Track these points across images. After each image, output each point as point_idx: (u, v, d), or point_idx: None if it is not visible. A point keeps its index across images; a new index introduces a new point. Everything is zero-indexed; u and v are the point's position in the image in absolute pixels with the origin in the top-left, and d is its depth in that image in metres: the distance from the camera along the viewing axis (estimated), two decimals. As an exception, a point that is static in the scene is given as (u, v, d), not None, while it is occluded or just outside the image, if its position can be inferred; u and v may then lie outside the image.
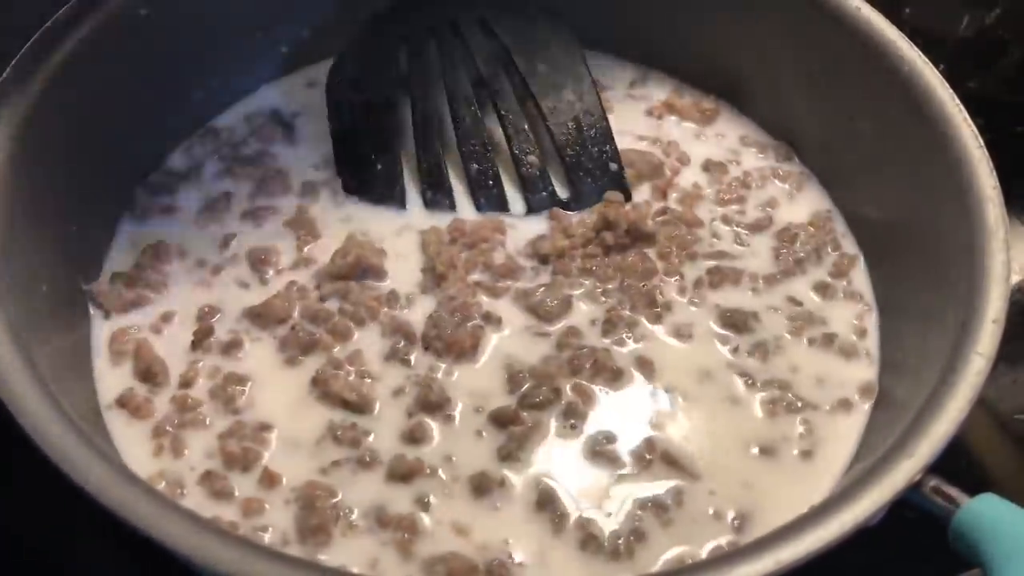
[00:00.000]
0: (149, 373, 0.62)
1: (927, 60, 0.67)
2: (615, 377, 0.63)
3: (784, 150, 0.78)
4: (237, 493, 0.57)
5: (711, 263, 0.69)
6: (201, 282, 0.67)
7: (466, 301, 0.65)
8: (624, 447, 0.60)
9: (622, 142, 0.75)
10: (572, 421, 0.61)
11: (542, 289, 0.66)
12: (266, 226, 0.70)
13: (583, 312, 0.66)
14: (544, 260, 0.68)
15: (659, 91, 0.81)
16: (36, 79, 0.61)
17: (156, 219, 0.70)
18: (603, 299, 0.67)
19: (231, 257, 0.68)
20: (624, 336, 0.65)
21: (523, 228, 0.71)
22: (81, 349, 0.63)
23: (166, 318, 0.65)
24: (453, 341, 0.63)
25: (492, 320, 0.65)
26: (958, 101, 0.65)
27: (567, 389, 0.62)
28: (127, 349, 0.63)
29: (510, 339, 0.64)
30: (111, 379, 0.62)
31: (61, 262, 0.63)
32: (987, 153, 0.63)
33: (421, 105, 0.74)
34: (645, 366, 0.63)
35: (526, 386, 0.62)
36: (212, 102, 0.76)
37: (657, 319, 0.66)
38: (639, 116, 0.79)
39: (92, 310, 0.65)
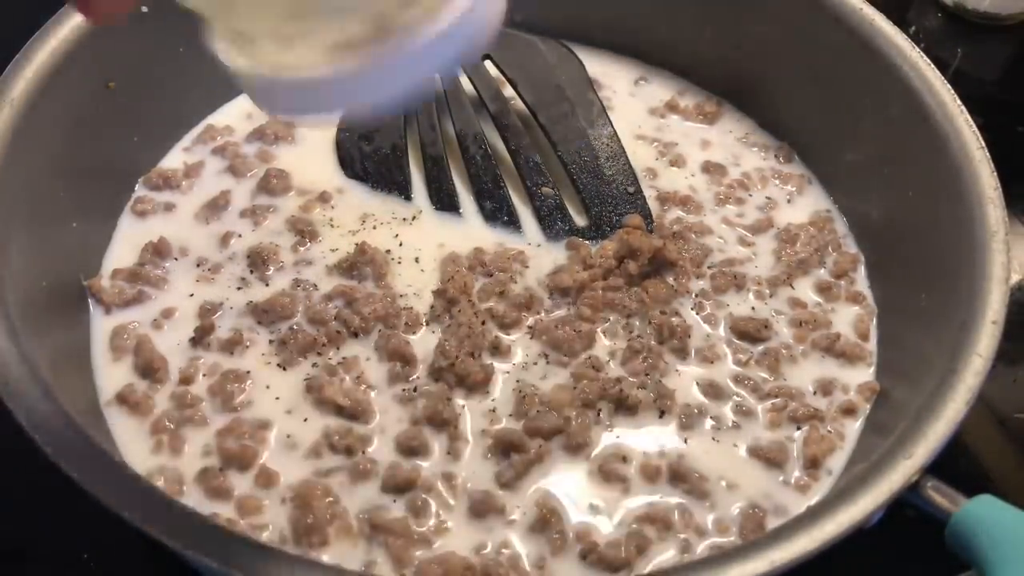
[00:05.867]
0: (149, 369, 0.62)
1: (928, 60, 0.67)
2: (632, 412, 0.62)
3: (785, 150, 0.78)
4: (235, 491, 0.58)
5: (716, 270, 0.69)
6: (201, 279, 0.67)
7: (474, 328, 0.64)
8: (632, 466, 0.60)
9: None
10: (581, 447, 0.60)
11: (561, 323, 0.65)
12: (266, 225, 0.70)
13: (604, 346, 0.65)
14: (564, 293, 0.67)
15: (662, 90, 0.81)
16: (36, 76, 0.61)
17: (156, 216, 0.70)
18: (624, 332, 0.66)
19: (231, 255, 0.68)
20: (645, 369, 0.64)
21: (543, 259, 0.70)
22: (81, 345, 0.63)
23: (167, 314, 0.65)
24: (465, 374, 0.62)
25: (501, 350, 0.64)
26: (959, 101, 0.65)
27: (577, 419, 0.61)
28: (127, 345, 0.63)
29: (524, 371, 0.63)
30: (111, 375, 0.62)
31: (61, 258, 0.64)
32: (987, 153, 0.63)
33: (431, 149, 0.74)
34: (665, 396, 0.62)
35: (534, 412, 0.61)
36: (212, 99, 0.76)
37: (680, 350, 0.65)
38: (641, 115, 0.79)
39: (92, 306, 0.65)
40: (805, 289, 0.70)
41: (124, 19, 0.43)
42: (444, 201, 0.72)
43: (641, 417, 0.62)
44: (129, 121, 0.69)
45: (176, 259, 0.68)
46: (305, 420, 0.61)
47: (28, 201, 0.60)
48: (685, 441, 0.61)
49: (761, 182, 0.76)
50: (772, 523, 0.58)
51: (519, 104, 0.75)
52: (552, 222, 0.71)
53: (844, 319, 0.68)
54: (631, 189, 0.73)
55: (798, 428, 0.62)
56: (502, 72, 0.76)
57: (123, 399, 0.61)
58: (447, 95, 0.75)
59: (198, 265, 0.68)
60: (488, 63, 0.76)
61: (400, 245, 0.69)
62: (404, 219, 0.71)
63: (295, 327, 0.64)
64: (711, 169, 0.76)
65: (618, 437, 0.61)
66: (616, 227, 0.71)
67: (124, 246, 0.69)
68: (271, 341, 0.64)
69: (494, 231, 0.71)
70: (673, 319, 0.66)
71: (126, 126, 0.69)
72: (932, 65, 0.67)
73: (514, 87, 0.75)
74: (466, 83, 0.76)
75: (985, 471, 0.73)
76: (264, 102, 0.40)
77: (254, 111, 0.76)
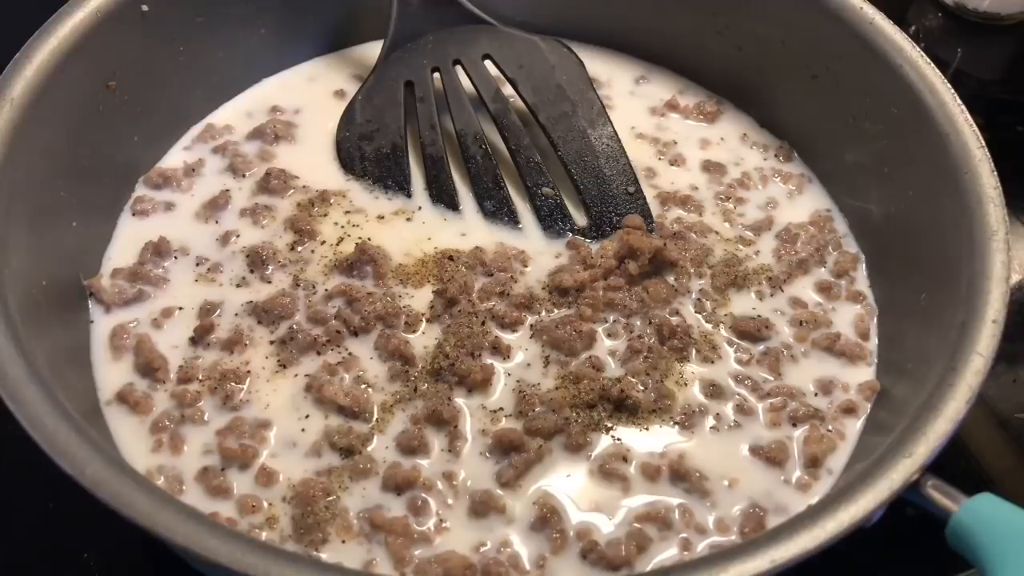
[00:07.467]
0: (149, 368, 0.62)
1: (928, 60, 0.67)
2: (633, 411, 0.62)
3: (785, 150, 0.78)
4: (235, 490, 0.58)
5: (716, 269, 0.69)
6: (201, 279, 0.67)
7: (474, 328, 0.64)
8: (632, 466, 0.60)
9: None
10: (581, 447, 0.60)
11: (561, 323, 0.65)
12: (266, 224, 0.70)
13: (604, 346, 0.65)
14: (564, 293, 0.67)
15: (662, 90, 0.81)
16: (36, 75, 0.61)
17: (157, 215, 0.70)
18: (625, 332, 0.65)
19: (231, 254, 0.68)
20: (646, 368, 0.63)
21: (543, 259, 0.70)
22: (81, 344, 0.63)
23: (166, 314, 0.65)
24: (465, 374, 0.62)
25: (501, 350, 0.64)
26: (959, 101, 0.65)
27: (578, 419, 0.61)
28: (127, 344, 0.63)
29: (524, 370, 0.63)
30: (111, 374, 0.62)
31: (61, 258, 0.64)
32: (987, 153, 0.63)
33: (431, 149, 0.74)
34: (665, 396, 0.62)
35: (534, 412, 0.61)
36: (212, 98, 0.76)
37: (681, 349, 0.65)
38: (641, 114, 0.79)
39: (92, 305, 0.65)
40: (806, 288, 0.70)
41: None
42: (444, 201, 0.72)
43: (641, 417, 0.62)
44: (129, 120, 0.69)
45: (176, 258, 0.68)
46: (305, 419, 0.61)
47: (28, 201, 0.60)
48: (686, 440, 0.61)
49: (761, 181, 0.76)
50: (773, 522, 0.58)
51: (519, 104, 0.75)
52: (552, 222, 0.71)
53: (844, 318, 0.68)
54: (631, 189, 0.73)
55: (798, 427, 0.62)
56: (502, 72, 0.76)
57: (123, 398, 0.61)
58: (447, 95, 0.75)
59: (198, 264, 0.68)
60: (488, 63, 0.76)
61: (400, 244, 0.69)
62: (404, 219, 0.71)
63: (295, 326, 0.64)
64: (711, 168, 0.76)
65: (618, 437, 0.61)
66: (616, 227, 0.71)
67: (124, 245, 0.69)
68: (271, 340, 0.64)
69: (494, 231, 0.71)
70: (674, 319, 0.66)
71: (126, 126, 0.69)
72: (932, 65, 0.67)
73: (514, 87, 0.75)
74: (466, 83, 0.76)
75: (985, 471, 0.73)
76: None
77: (254, 110, 0.77)
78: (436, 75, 0.76)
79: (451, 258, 0.68)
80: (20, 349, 0.53)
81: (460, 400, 0.62)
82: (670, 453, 0.60)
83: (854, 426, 0.63)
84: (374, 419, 0.61)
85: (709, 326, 0.66)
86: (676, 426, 0.62)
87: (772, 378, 0.65)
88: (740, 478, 0.60)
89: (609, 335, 0.65)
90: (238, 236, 0.69)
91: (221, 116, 0.76)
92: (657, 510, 0.58)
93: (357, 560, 0.55)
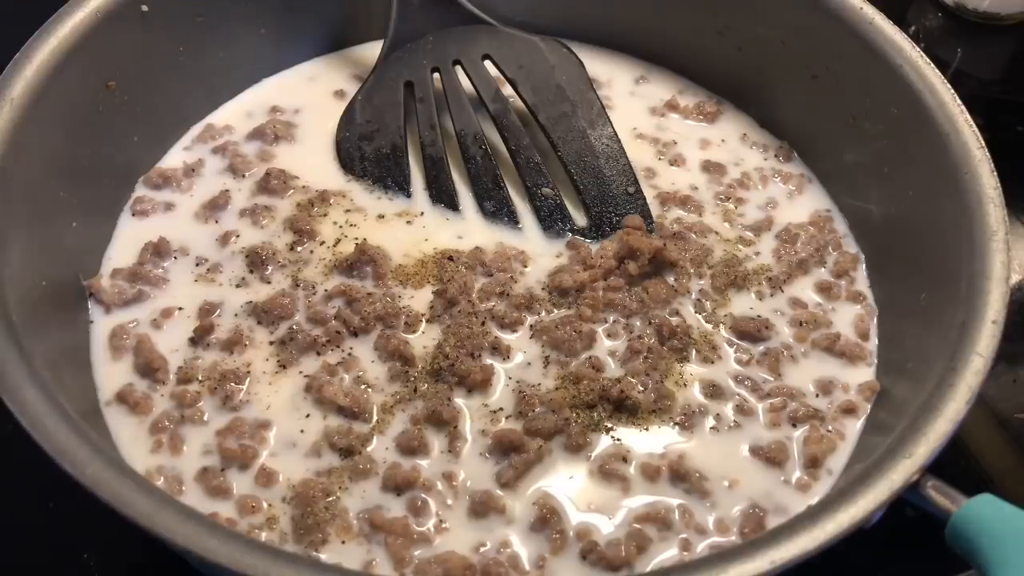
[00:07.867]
0: (149, 369, 0.62)
1: (928, 60, 0.67)
2: (633, 412, 0.62)
3: (785, 150, 0.78)
4: (235, 491, 0.58)
5: (716, 269, 0.69)
6: (201, 279, 0.67)
7: (474, 328, 0.64)
8: (632, 466, 0.60)
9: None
10: (581, 447, 0.60)
11: (561, 323, 0.65)
12: (265, 224, 0.70)
13: (604, 346, 0.65)
14: (564, 293, 0.67)
15: (662, 90, 0.81)
16: (36, 75, 0.61)
17: (156, 216, 0.70)
18: (624, 332, 0.65)
19: (230, 254, 0.68)
20: (646, 369, 0.63)
21: (543, 259, 0.69)
22: (81, 344, 0.63)
23: (166, 314, 0.65)
24: (465, 374, 0.62)
25: (501, 350, 0.64)
26: (959, 101, 0.65)
27: (577, 419, 0.61)
28: (127, 345, 0.63)
29: (524, 371, 0.63)
30: (111, 374, 0.62)
31: (61, 258, 0.64)
32: (987, 153, 0.63)
33: (431, 149, 0.74)
34: (665, 396, 0.62)
35: (534, 412, 0.61)
36: (212, 98, 0.76)
37: (681, 350, 0.65)
38: (641, 114, 0.79)
39: (91, 305, 0.65)
40: (805, 289, 0.70)
41: None
42: (444, 201, 0.72)
43: (641, 417, 0.62)
44: (129, 121, 0.69)
45: (176, 259, 0.68)
46: (305, 419, 0.61)
47: (28, 201, 0.60)
48: (686, 441, 0.61)
49: (761, 181, 0.76)
50: (773, 522, 0.58)
51: (519, 104, 0.75)
52: (552, 222, 0.71)
53: (844, 319, 0.68)
54: (631, 189, 0.73)
55: (798, 428, 0.62)
56: (502, 72, 0.76)
57: (123, 398, 0.61)
58: (447, 95, 0.75)
59: (198, 265, 0.68)
60: (488, 63, 0.76)
61: (400, 245, 0.69)
62: (404, 219, 0.71)
63: (295, 327, 0.64)
64: (711, 168, 0.76)
65: (618, 437, 0.61)
66: (616, 227, 0.71)
67: (124, 246, 0.69)
68: (271, 341, 0.64)
69: (494, 231, 0.71)
70: (674, 319, 0.66)
71: (126, 126, 0.69)
72: (932, 65, 0.67)
73: (514, 87, 0.75)
74: (466, 83, 0.76)
75: (985, 471, 0.73)
76: None
77: (254, 110, 0.77)
78: (436, 75, 0.76)
79: (451, 258, 0.68)
80: (20, 349, 0.53)
81: (460, 400, 0.62)
82: (670, 453, 0.60)
83: (854, 426, 0.63)
84: (374, 419, 0.61)
85: (709, 326, 0.67)
86: (676, 426, 0.62)
87: (772, 378, 0.65)
88: (740, 478, 0.60)
89: (609, 335, 0.65)
90: (238, 236, 0.69)
91: (221, 116, 0.76)
92: (657, 510, 0.58)
93: (357, 561, 0.55)
